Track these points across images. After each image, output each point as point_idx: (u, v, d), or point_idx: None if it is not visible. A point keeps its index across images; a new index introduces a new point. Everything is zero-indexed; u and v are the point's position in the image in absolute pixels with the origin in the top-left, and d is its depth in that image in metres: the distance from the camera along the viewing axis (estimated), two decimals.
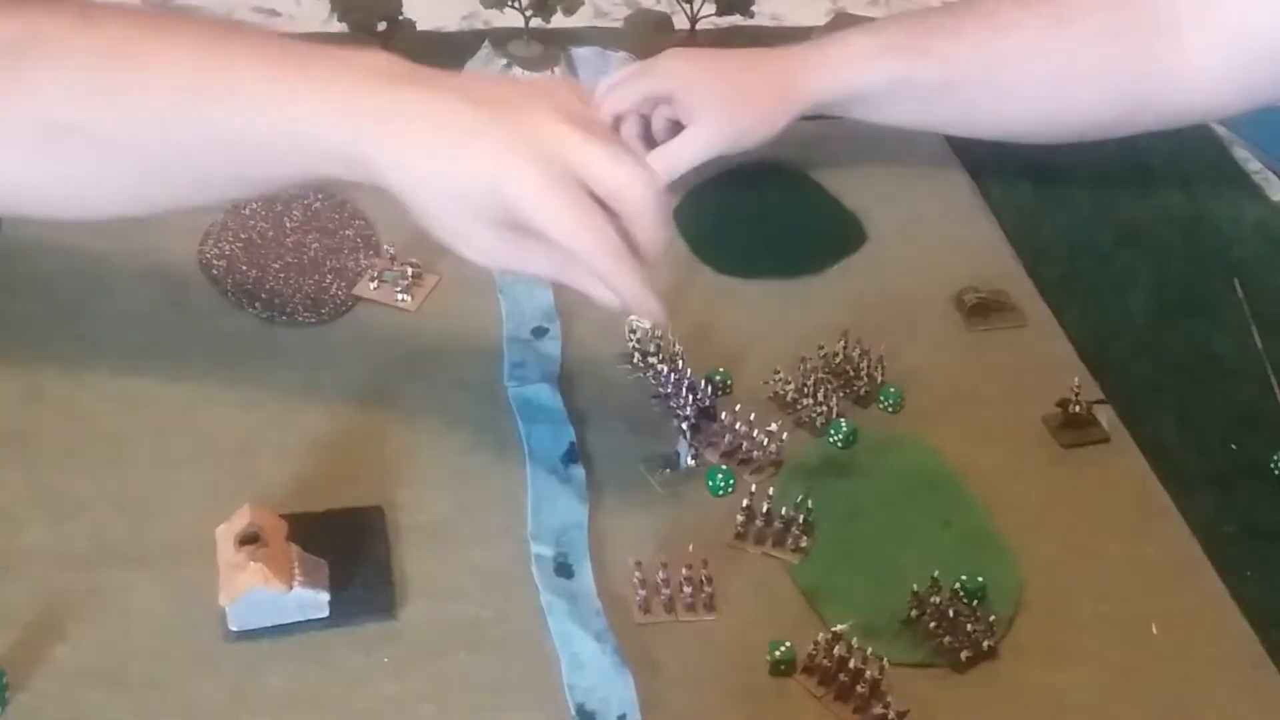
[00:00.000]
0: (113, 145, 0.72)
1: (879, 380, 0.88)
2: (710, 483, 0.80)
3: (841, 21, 1.22)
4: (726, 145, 0.97)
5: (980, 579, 0.75)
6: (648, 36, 1.16)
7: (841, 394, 0.87)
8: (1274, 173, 1.14)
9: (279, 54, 0.72)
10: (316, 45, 0.73)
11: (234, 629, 0.70)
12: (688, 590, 0.74)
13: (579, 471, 0.80)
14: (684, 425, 0.81)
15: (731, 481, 0.80)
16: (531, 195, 0.67)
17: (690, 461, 0.80)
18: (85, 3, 0.74)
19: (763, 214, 1.02)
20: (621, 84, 0.98)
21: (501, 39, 1.13)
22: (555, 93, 0.72)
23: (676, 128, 0.98)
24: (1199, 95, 1.00)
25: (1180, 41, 0.98)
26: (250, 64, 0.72)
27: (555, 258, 0.70)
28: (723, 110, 0.97)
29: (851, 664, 0.69)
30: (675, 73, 0.97)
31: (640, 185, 0.69)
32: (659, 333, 0.87)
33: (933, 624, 0.73)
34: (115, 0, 0.78)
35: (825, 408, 0.85)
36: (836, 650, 0.70)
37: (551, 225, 0.68)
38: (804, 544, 0.77)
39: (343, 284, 0.91)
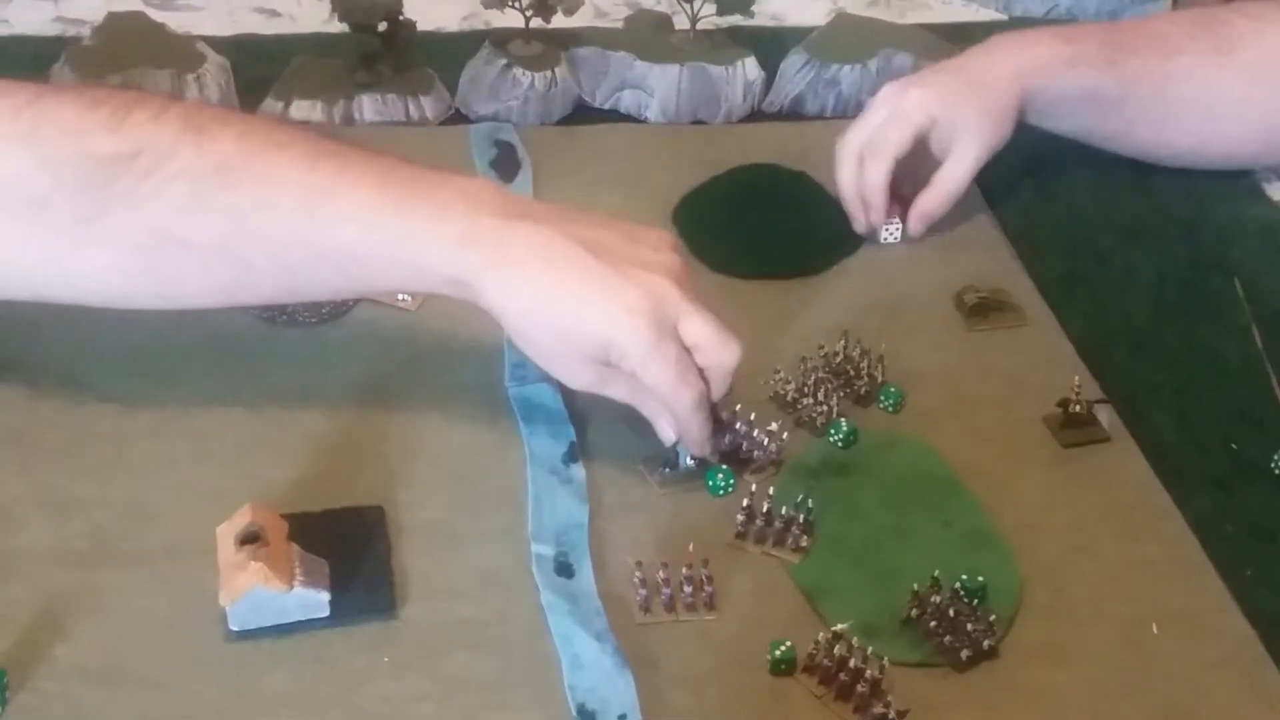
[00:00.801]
0: (215, 256, 0.74)
1: (879, 380, 0.88)
2: (710, 482, 0.80)
3: (842, 22, 1.22)
4: (986, 156, 1.01)
5: (980, 578, 0.75)
6: (648, 36, 1.16)
7: (842, 394, 0.87)
8: (1274, 172, 1.14)
9: (391, 175, 0.75)
10: (426, 166, 0.77)
11: (234, 629, 0.70)
12: (688, 590, 0.74)
13: (579, 471, 0.80)
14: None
15: (732, 481, 0.80)
16: (639, 354, 0.74)
17: (690, 461, 0.80)
18: (192, 108, 0.76)
19: (763, 214, 1.02)
20: (882, 143, 0.99)
21: (502, 39, 1.13)
22: (662, 245, 0.78)
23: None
24: None
25: None
26: (362, 184, 0.74)
27: (639, 394, 0.78)
28: (978, 125, 1.00)
29: (852, 663, 0.69)
30: (924, 105, 0.99)
31: (732, 356, 0.77)
32: None
33: (933, 623, 0.73)
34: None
35: (825, 407, 0.85)
36: (837, 650, 0.70)
37: (655, 382, 0.75)
38: (804, 543, 0.77)
39: None
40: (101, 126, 0.72)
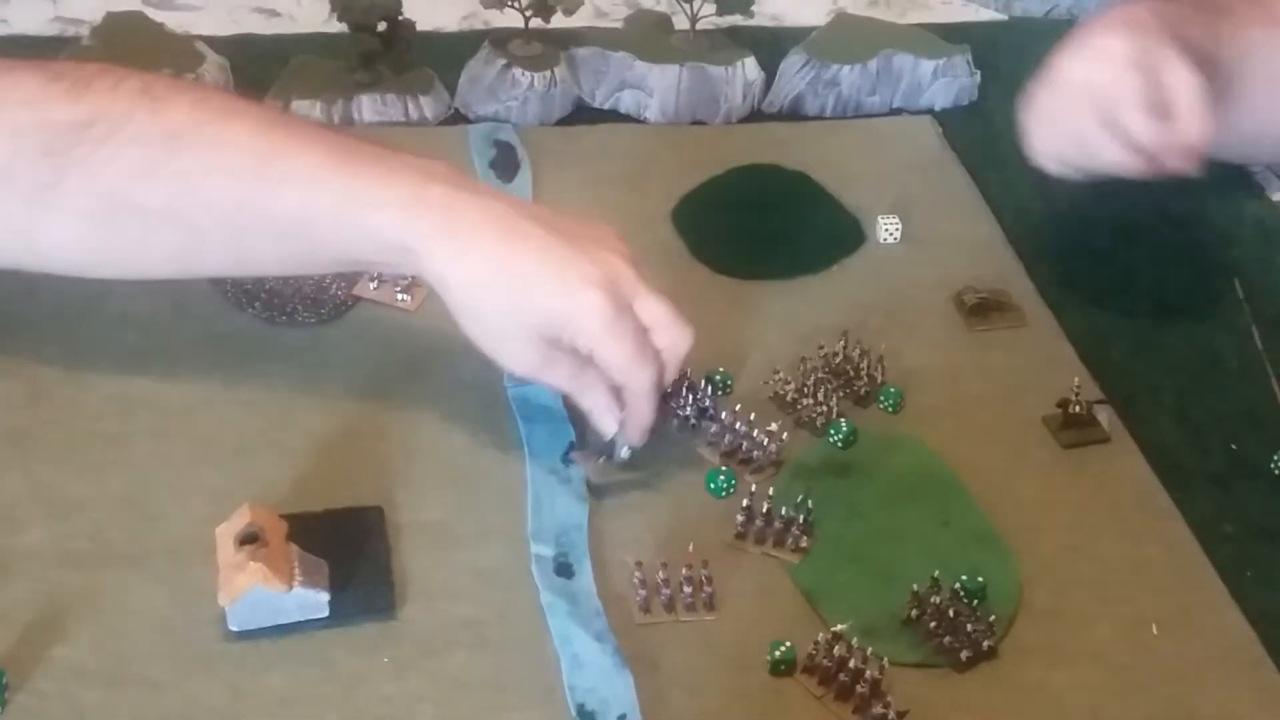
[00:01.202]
0: (166, 221, 0.75)
1: (879, 380, 0.88)
2: (712, 484, 0.80)
3: (842, 22, 1.22)
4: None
5: (980, 579, 0.75)
6: (648, 36, 1.16)
7: (841, 394, 0.87)
8: (1274, 172, 1.14)
9: (342, 144, 0.75)
10: (379, 142, 0.76)
11: (234, 629, 0.70)
12: (688, 590, 0.74)
13: (579, 471, 0.80)
14: (620, 417, 0.80)
15: (733, 482, 0.80)
16: (599, 327, 0.73)
17: (625, 454, 0.79)
18: (150, 79, 0.76)
19: (763, 214, 1.02)
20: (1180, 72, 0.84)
21: (501, 39, 1.13)
22: (610, 234, 0.77)
23: None
24: None
25: None
26: (312, 150, 0.74)
27: (581, 378, 0.76)
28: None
29: (851, 664, 0.69)
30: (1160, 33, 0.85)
31: (686, 339, 0.76)
32: None
33: (933, 624, 0.73)
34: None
35: (825, 408, 0.85)
36: (836, 650, 0.70)
37: (612, 357, 0.74)
38: (804, 544, 0.77)
39: (342, 284, 0.91)
40: (63, 96, 0.73)
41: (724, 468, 0.81)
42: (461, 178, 0.76)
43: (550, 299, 0.73)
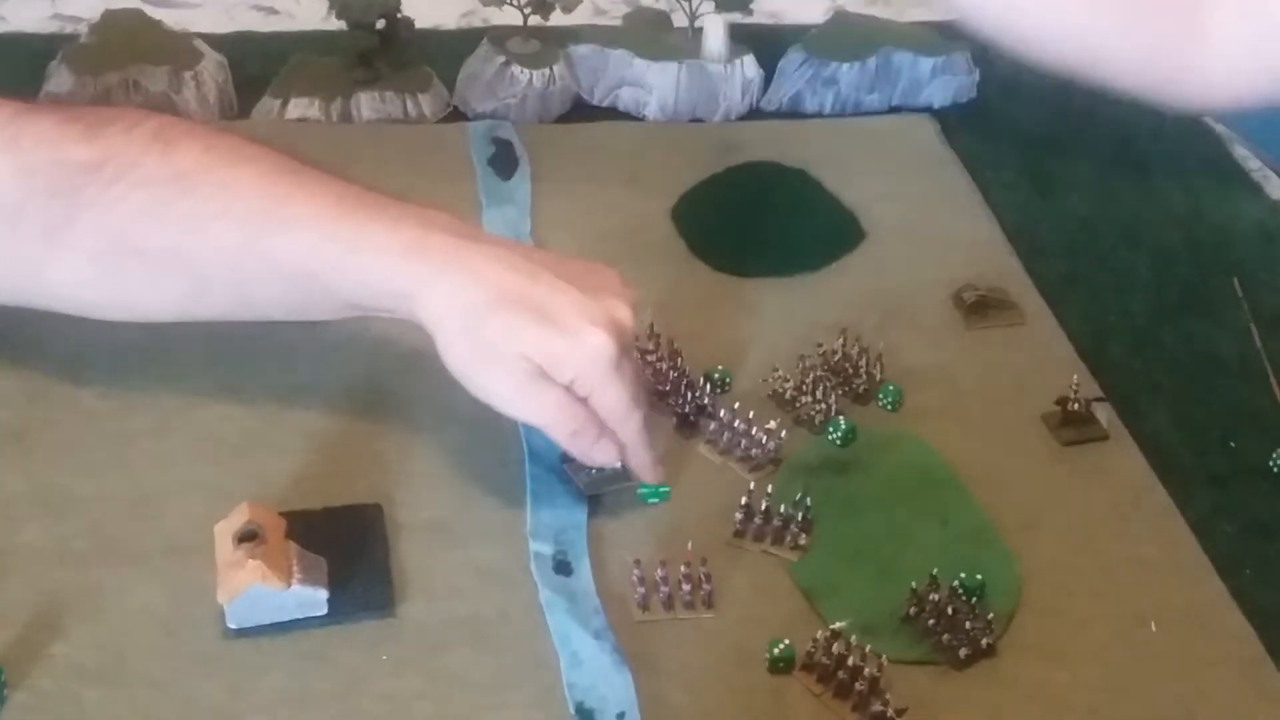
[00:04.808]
0: (172, 265, 0.75)
1: (878, 378, 0.88)
2: (641, 490, 0.79)
3: (841, 20, 1.22)
4: None
5: (979, 576, 0.75)
6: (646, 34, 1.16)
7: (840, 392, 0.87)
8: (1274, 171, 1.14)
9: (348, 192, 0.75)
10: (386, 194, 0.76)
11: (232, 627, 0.70)
12: (686, 588, 0.74)
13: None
14: None
15: (663, 490, 0.79)
16: (602, 371, 0.72)
17: (616, 463, 0.80)
18: (167, 122, 0.76)
19: (761, 212, 1.02)
20: None
21: (500, 37, 1.13)
22: (616, 280, 0.76)
23: None
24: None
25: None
26: (319, 197, 0.74)
27: (570, 422, 0.74)
28: None
29: (850, 661, 0.69)
30: None
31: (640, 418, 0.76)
32: (657, 330, 0.87)
33: (931, 621, 0.73)
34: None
35: (824, 405, 0.85)
36: (835, 648, 0.70)
37: (610, 402, 0.73)
38: (803, 541, 0.77)
39: None
40: (78, 137, 0.74)
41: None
42: (465, 228, 0.76)
43: (554, 336, 0.72)
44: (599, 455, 0.76)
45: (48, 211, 0.74)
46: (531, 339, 0.72)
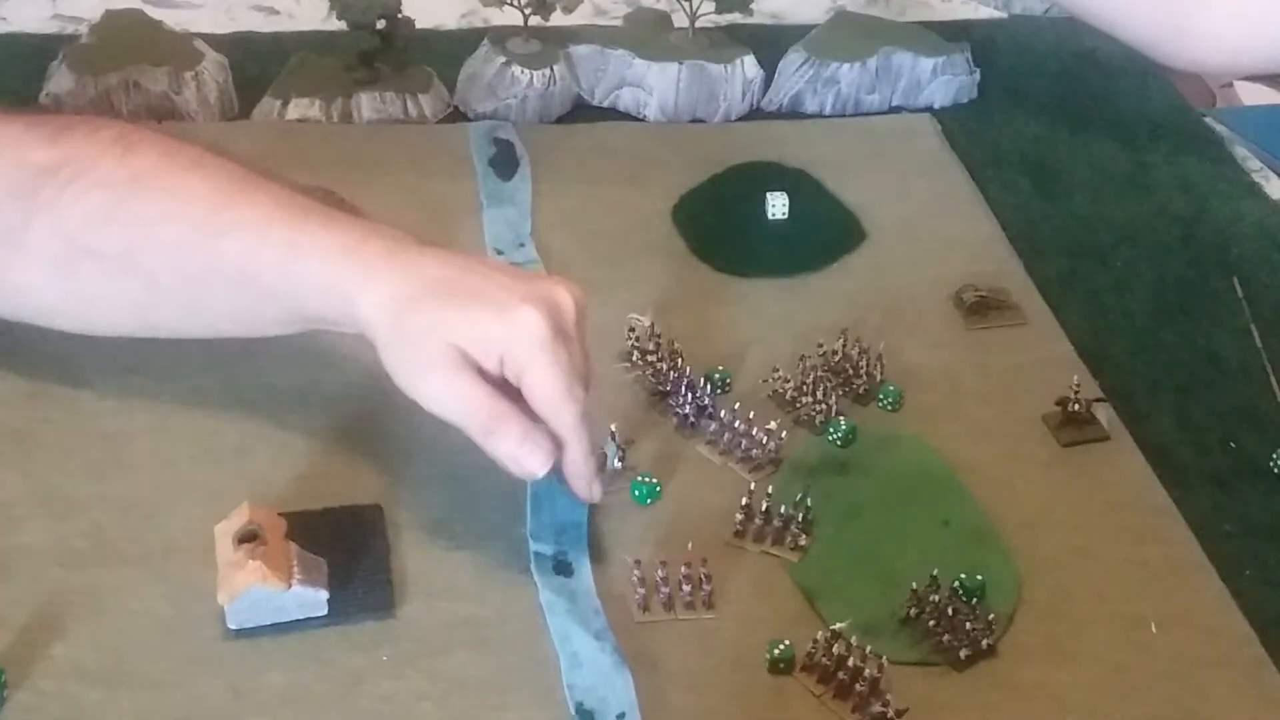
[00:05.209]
0: (122, 269, 0.75)
1: (878, 378, 0.88)
2: (635, 493, 0.79)
3: (842, 20, 1.22)
4: None
5: (979, 577, 0.75)
6: (647, 34, 1.16)
7: (840, 392, 0.87)
8: (1274, 171, 1.14)
9: (294, 201, 0.75)
10: (338, 210, 0.76)
11: (232, 627, 0.70)
12: (687, 588, 0.74)
13: None
14: (611, 426, 0.80)
15: (658, 490, 0.79)
16: (534, 347, 0.69)
17: (617, 464, 0.79)
18: (128, 129, 0.77)
19: (762, 212, 1.02)
20: None
21: (500, 37, 1.13)
22: (567, 282, 0.74)
23: None
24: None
25: None
26: (262, 202, 0.75)
27: (488, 416, 0.70)
28: None
29: (850, 662, 0.69)
30: None
31: (580, 406, 0.71)
32: (657, 330, 0.87)
33: (932, 622, 0.73)
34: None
35: (824, 406, 0.85)
36: (835, 648, 0.70)
37: (541, 383, 0.70)
38: (803, 542, 0.77)
39: None
40: (40, 142, 0.75)
41: (649, 480, 0.79)
42: (409, 237, 0.74)
43: (484, 310, 0.70)
44: (529, 460, 0.71)
45: (5, 214, 0.74)
46: (457, 322, 0.70)
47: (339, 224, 0.74)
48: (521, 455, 0.71)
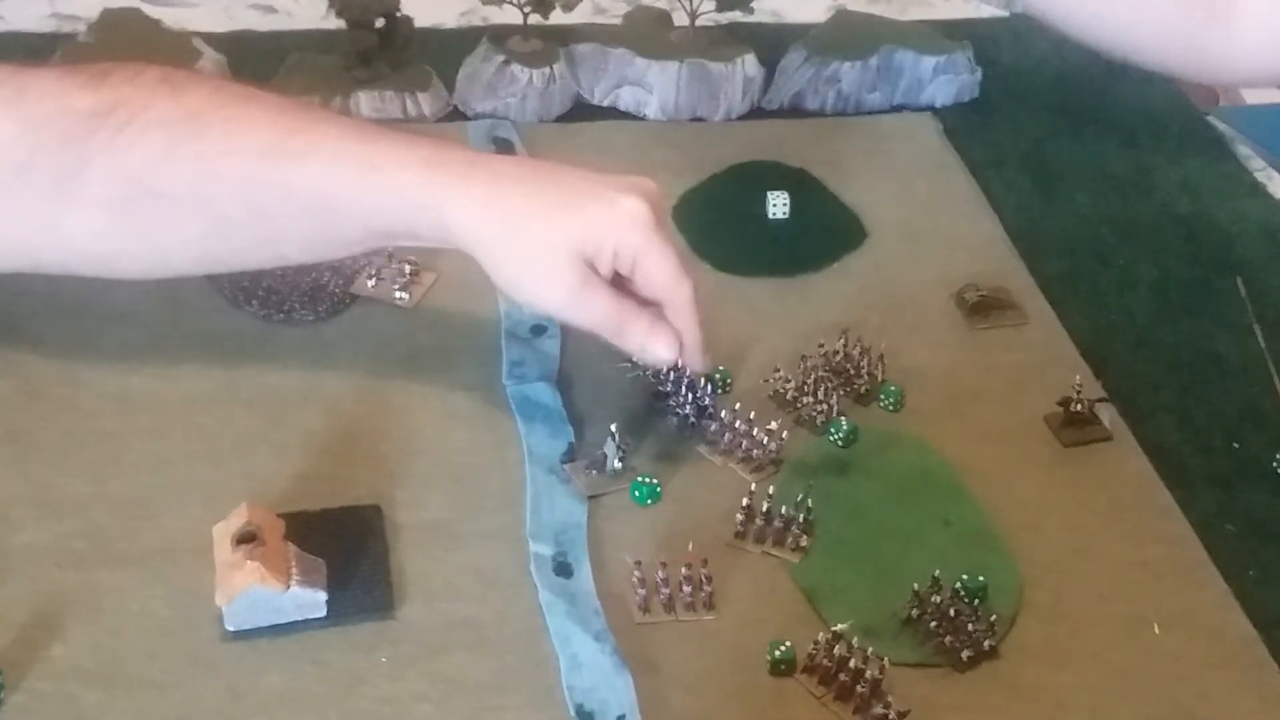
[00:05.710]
0: (189, 206, 0.75)
1: (879, 378, 0.88)
2: (635, 494, 0.79)
3: (842, 18, 1.22)
4: None
5: (981, 578, 0.74)
6: (647, 33, 1.16)
7: (842, 392, 0.86)
8: (1277, 170, 1.14)
9: (359, 123, 0.77)
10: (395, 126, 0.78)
11: (231, 629, 0.69)
12: (687, 590, 0.74)
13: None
14: (612, 426, 0.80)
15: (658, 491, 0.79)
16: (644, 233, 0.72)
17: (617, 464, 0.79)
18: (169, 70, 0.76)
19: (763, 211, 1.02)
20: None
21: (500, 36, 1.12)
22: (644, 179, 0.76)
23: None
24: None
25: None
26: (329, 125, 0.75)
27: (620, 312, 0.75)
28: None
29: (852, 664, 0.69)
30: None
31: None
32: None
33: (933, 623, 0.72)
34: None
35: (825, 406, 0.84)
36: (837, 650, 0.70)
37: (658, 269, 0.74)
38: (804, 543, 0.77)
39: (340, 281, 0.91)
40: (82, 86, 0.74)
41: (650, 480, 0.79)
42: (475, 150, 0.77)
43: (591, 207, 0.73)
44: (658, 348, 0.76)
45: (58, 163, 0.73)
46: (575, 230, 0.73)
47: (410, 139, 0.75)
48: (650, 343, 0.76)
